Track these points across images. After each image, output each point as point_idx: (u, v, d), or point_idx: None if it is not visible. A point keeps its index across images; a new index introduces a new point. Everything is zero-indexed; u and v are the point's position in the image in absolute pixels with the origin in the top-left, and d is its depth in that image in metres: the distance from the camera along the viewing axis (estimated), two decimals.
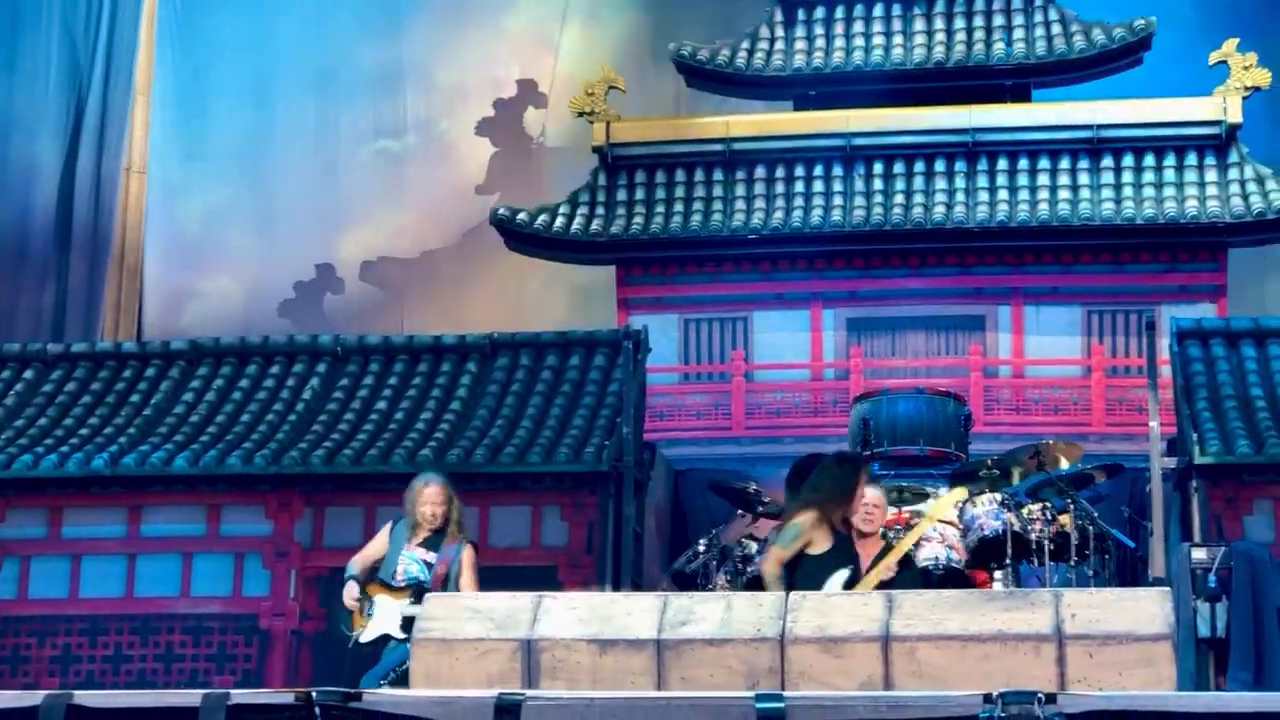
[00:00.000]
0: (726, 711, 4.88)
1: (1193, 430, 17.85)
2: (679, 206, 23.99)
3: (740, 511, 14.23)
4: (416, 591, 10.70)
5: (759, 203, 23.89)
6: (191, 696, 5.15)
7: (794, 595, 7.70)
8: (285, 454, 19.03)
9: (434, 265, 31.93)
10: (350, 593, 11.34)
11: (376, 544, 11.70)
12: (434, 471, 12.19)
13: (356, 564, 11.59)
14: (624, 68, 26.14)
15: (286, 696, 5.00)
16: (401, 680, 9.46)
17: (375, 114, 32.61)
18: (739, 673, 7.06)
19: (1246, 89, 23.13)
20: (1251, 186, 22.77)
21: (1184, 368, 18.99)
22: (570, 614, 7.51)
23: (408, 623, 10.23)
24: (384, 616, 10.98)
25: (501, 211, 24.50)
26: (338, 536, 18.75)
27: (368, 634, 11.01)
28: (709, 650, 7.17)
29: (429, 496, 11.60)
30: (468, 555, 11.49)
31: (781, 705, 4.45)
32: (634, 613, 7.51)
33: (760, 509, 14.08)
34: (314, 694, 4.85)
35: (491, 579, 14.40)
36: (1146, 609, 6.97)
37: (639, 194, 24.28)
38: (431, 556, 11.28)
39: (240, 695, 5.13)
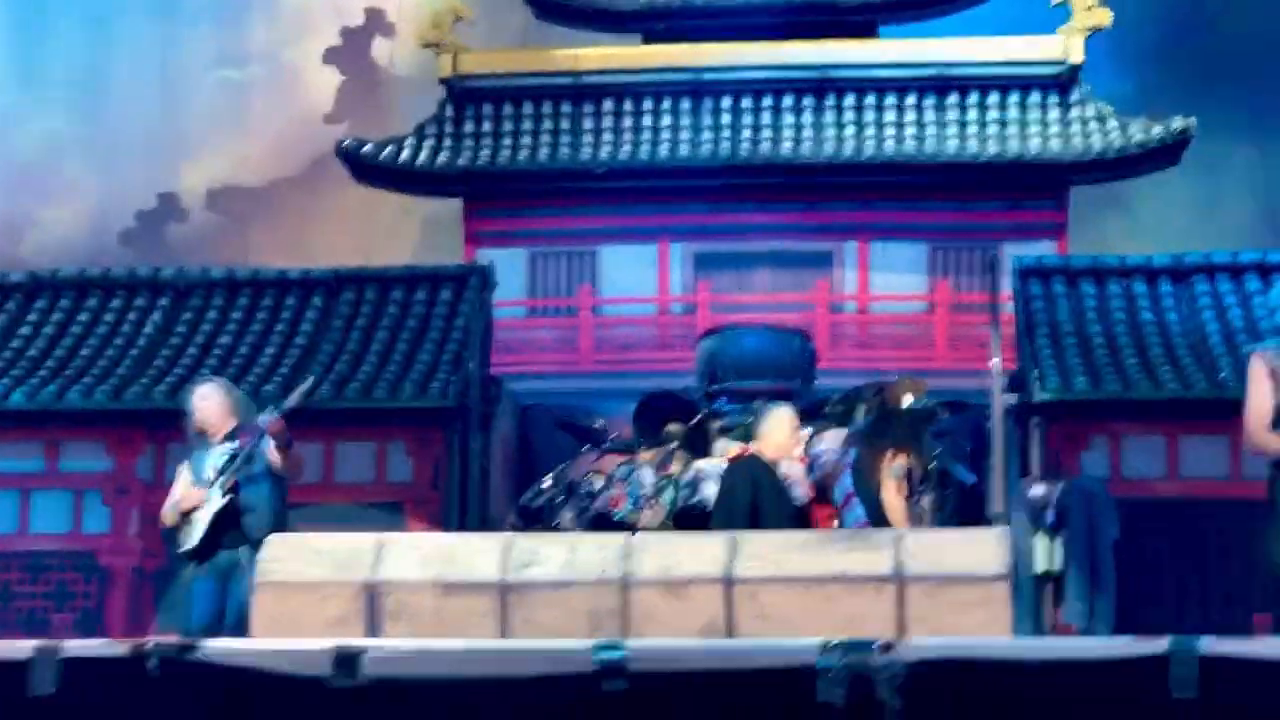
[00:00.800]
0: (567, 660, 4.88)
1: (1033, 367, 18.09)
2: (527, 140, 23.86)
3: (587, 447, 14.17)
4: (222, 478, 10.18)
5: (607, 137, 23.81)
6: (21, 649, 5.04)
7: (638, 536, 7.70)
8: (127, 389, 18.76)
9: (281, 195, 31.62)
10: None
11: (179, 484, 10.63)
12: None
13: (168, 515, 10.55)
14: None
15: (121, 648, 4.91)
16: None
17: (219, 42, 32.13)
18: (582, 615, 7.04)
19: (1088, 28, 23.37)
20: (1093, 125, 23.04)
21: (1025, 305, 19.22)
22: (413, 555, 7.46)
23: (222, 511, 9.94)
24: (198, 519, 10.23)
25: (348, 143, 24.24)
26: None
27: (188, 542, 10.19)
28: (553, 593, 7.15)
29: (197, 399, 10.64)
30: (272, 422, 10.35)
31: (620, 655, 4.45)
32: (477, 554, 7.47)
33: (607, 445, 14.05)
34: (149, 645, 4.76)
35: (337, 516, 14.33)
36: (984, 549, 7.04)
37: (486, 126, 24.10)
38: (230, 445, 10.42)
39: (73, 648, 5.03)
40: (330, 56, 32.03)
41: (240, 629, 8.99)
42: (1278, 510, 8.01)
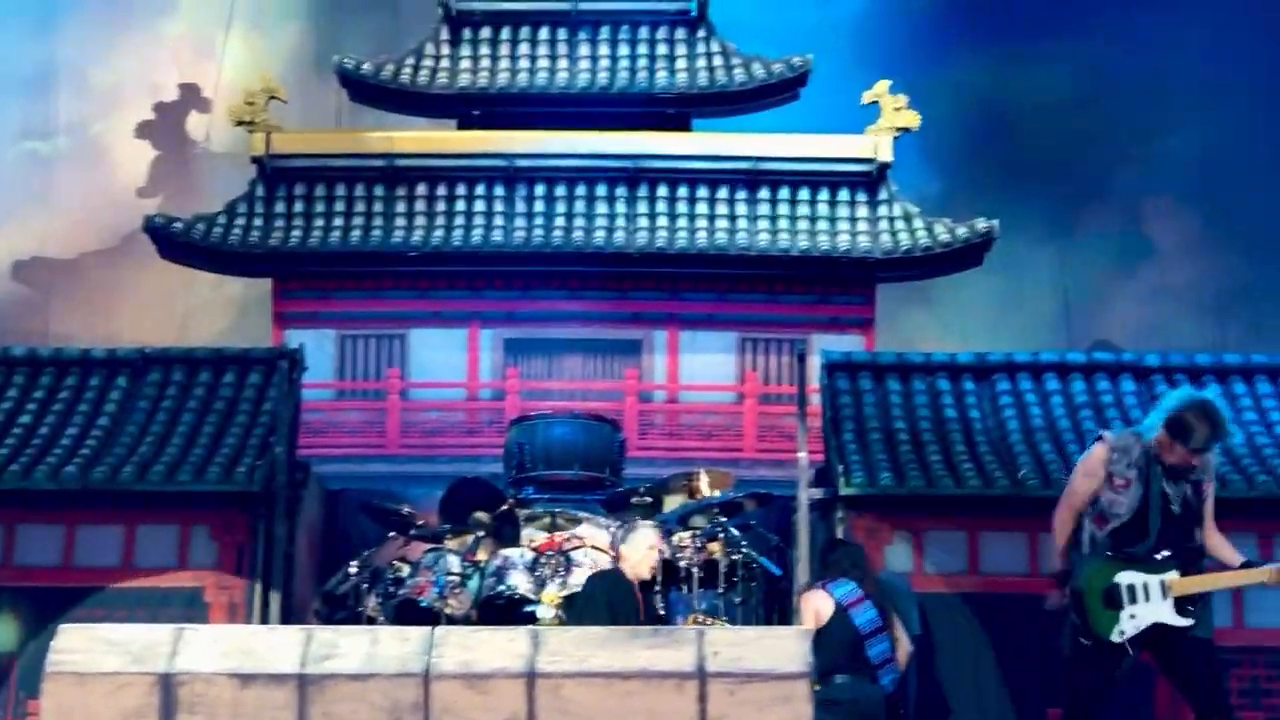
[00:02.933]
0: None
1: (839, 461, 18.27)
2: (338, 221, 23.76)
3: (393, 533, 14.05)
4: None
5: (420, 220, 23.78)
6: None
7: (440, 629, 7.64)
8: None
9: (88, 270, 31.11)
10: None
11: None
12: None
13: None
14: (287, 78, 25.85)
15: None
16: None
17: (25, 114, 31.63)
18: (382, 709, 6.96)
19: (897, 129, 23.84)
20: (900, 224, 23.48)
21: (832, 399, 19.42)
22: (212, 646, 7.31)
23: None
24: None
25: (156, 218, 23.96)
26: None
27: None
28: (353, 685, 7.06)
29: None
30: None
31: None
32: (277, 645, 7.35)
33: (414, 531, 13.95)
34: None
35: (136, 600, 14.05)
36: (786, 647, 7.08)
37: (298, 206, 23.97)
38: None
39: None
40: (143, 131, 31.68)
41: None
42: (1081, 604, 8.18)
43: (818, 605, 11.19)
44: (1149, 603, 8.04)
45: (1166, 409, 8.26)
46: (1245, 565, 8.33)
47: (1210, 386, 19.50)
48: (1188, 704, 8.18)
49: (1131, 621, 8.07)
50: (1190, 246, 28.81)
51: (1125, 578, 8.08)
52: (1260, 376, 19.92)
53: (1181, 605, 8.09)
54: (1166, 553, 8.11)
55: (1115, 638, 8.07)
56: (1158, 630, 8.06)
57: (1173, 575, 8.09)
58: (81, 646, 7.37)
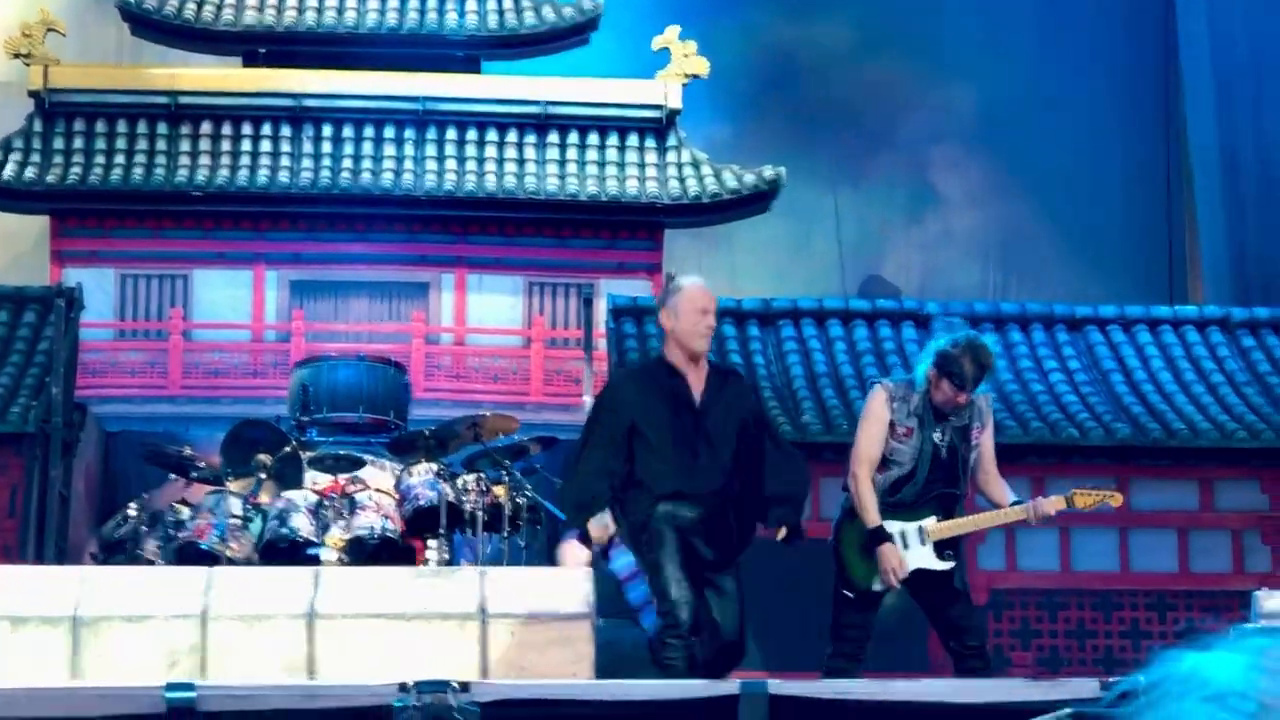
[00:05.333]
0: (137, 700, 4.75)
1: None
2: (119, 159, 23.27)
3: (173, 476, 13.82)
4: None
5: (204, 159, 23.38)
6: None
7: (219, 570, 7.55)
8: None
9: None
10: None
11: None
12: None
13: None
14: (65, 10, 25.14)
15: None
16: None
17: None
18: (159, 651, 6.88)
19: (686, 76, 23.92)
20: (688, 170, 23.59)
21: (618, 343, 19.50)
22: None
23: None
24: None
25: None
26: None
27: None
28: (128, 627, 6.96)
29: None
30: None
31: (192, 695, 4.34)
32: (51, 587, 7.23)
33: (194, 473, 13.74)
34: None
35: None
36: (568, 588, 7.12)
37: (78, 143, 23.43)
38: None
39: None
40: None
41: None
42: (840, 556, 8.26)
43: (575, 552, 11.21)
44: (908, 550, 8.12)
45: (935, 348, 8.23)
46: (1014, 505, 8.45)
47: (987, 334, 19.89)
48: (945, 647, 8.30)
49: (900, 571, 8.14)
50: (974, 195, 29.30)
51: (889, 527, 8.16)
52: (1035, 325, 20.37)
53: (941, 549, 8.19)
54: (928, 497, 8.18)
55: (876, 587, 8.16)
56: (920, 575, 8.15)
57: (930, 521, 8.18)
58: None
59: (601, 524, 7.51)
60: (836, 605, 8.30)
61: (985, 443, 8.30)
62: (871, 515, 8.05)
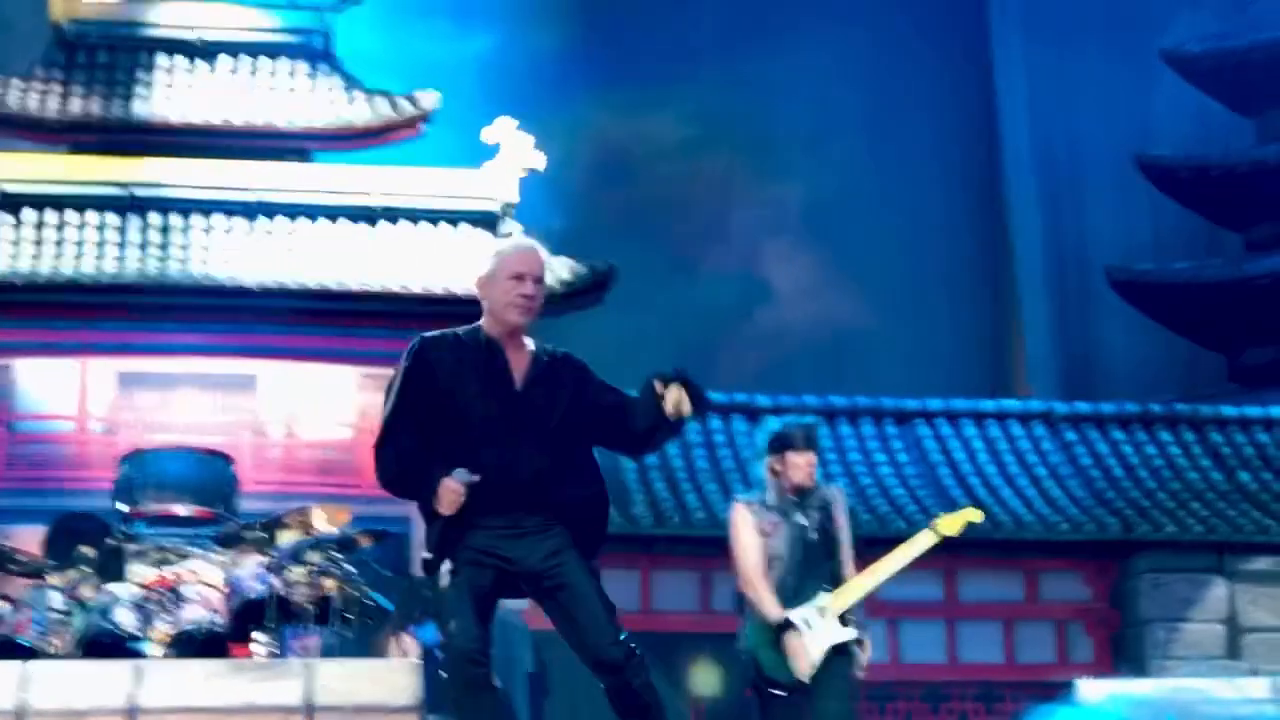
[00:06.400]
0: None
1: None
2: None
3: None
4: None
5: (28, 248, 23.02)
6: None
7: (37, 664, 7.40)
8: None
9: None
10: None
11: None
12: None
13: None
14: None
15: None
16: None
17: None
18: None
19: (523, 168, 23.99)
20: None
21: None
22: None
23: None
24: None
25: None
26: None
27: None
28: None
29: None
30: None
31: None
32: None
33: (14, 567, 13.46)
34: None
35: None
36: (397, 681, 7.06)
37: None
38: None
39: None
40: None
41: None
42: (757, 661, 8.44)
43: (405, 646, 11.17)
44: (812, 630, 8.29)
45: (762, 445, 8.64)
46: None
47: (820, 427, 20.10)
48: None
49: (810, 655, 8.31)
50: (804, 288, 29.66)
51: (791, 617, 8.32)
52: (865, 418, 20.63)
53: (844, 618, 8.43)
54: (812, 578, 8.39)
55: (806, 676, 8.30)
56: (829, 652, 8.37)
57: (825, 596, 8.38)
58: None
59: (454, 487, 6.23)
60: (767, 711, 8.43)
61: (843, 530, 8.54)
62: (772, 610, 8.31)
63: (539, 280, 6.54)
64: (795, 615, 8.33)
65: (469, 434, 6.31)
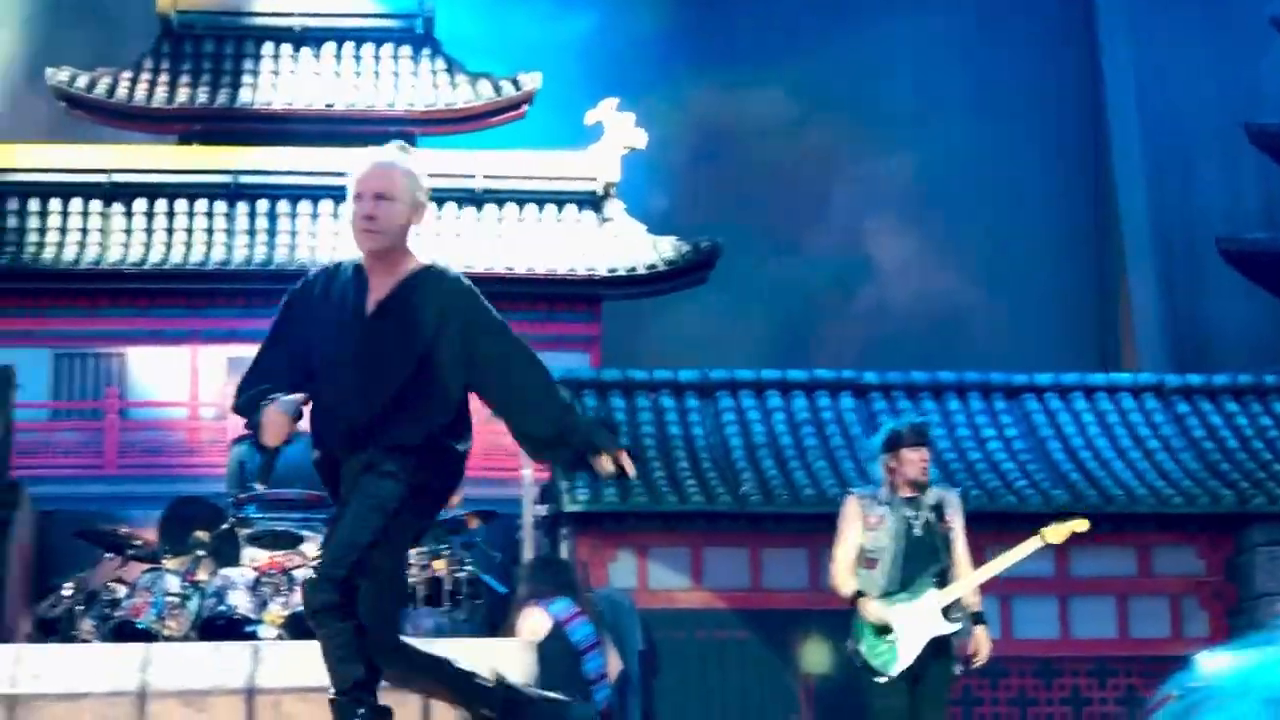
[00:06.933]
0: None
1: (563, 477, 18.33)
2: (54, 237, 23.16)
3: (109, 554, 13.72)
4: None
5: (139, 237, 23.30)
6: None
7: (157, 646, 7.48)
8: None
9: None
10: None
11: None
12: None
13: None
14: None
15: None
16: None
17: None
18: None
19: (625, 148, 24.00)
20: (626, 242, 23.63)
21: None
22: None
23: None
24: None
25: None
26: None
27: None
28: (64, 705, 6.89)
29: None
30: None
31: None
32: None
33: (130, 552, 13.64)
34: None
35: None
36: (509, 658, 7.08)
37: (11, 222, 23.35)
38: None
39: None
40: None
41: None
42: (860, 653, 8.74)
43: (534, 622, 11.23)
44: (916, 622, 8.52)
45: (876, 443, 8.98)
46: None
47: (925, 402, 19.99)
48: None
49: (910, 647, 8.46)
50: (909, 264, 29.49)
51: (892, 613, 8.62)
52: (972, 393, 20.46)
53: (947, 612, 8.72)
54: (919, 574, 8.71)
55: (904, 666, 8.62)
56: (929, 644, 8.67)
57: (930, 591, 8.67)
58: None
59: (275, 418, 5.60)
60: (869, 699, 8.69)
61: (957, 530, 8.71)
62: (848, 586, 8.72)
63: (380, 196, 5.65)
64: (901, 613, 8.64)
65: (318, 366, 5.66)
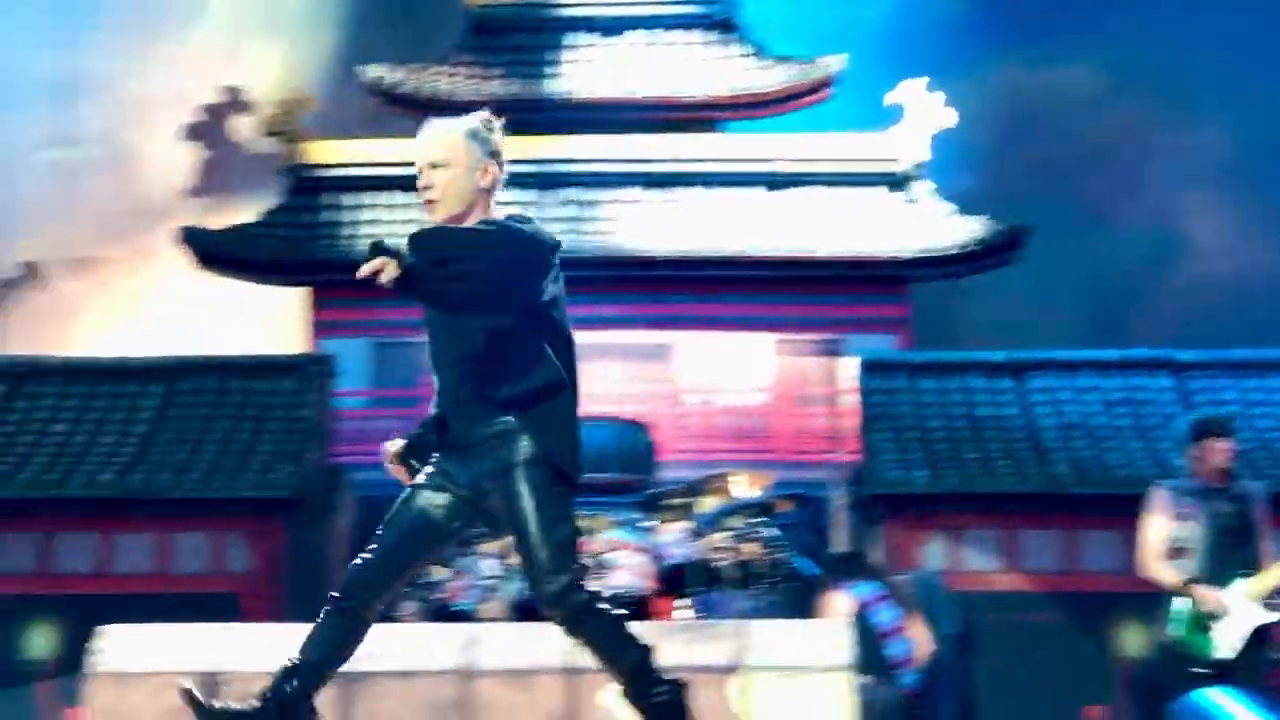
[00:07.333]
0: None
1: (874, 460, 18.26)
2: (369, 229, 23.76)
3: None
4: None
5: None
6: None
7: (480, 626, 7.64)
8: None
9: (114, 277, 31.21)
10: None
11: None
12: None
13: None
14: (316, 85, 25.88)
15: None
16: None
17: (51, 122, 31.78)
18: (424, 706, 6.98)
19: (933, 127, 23.74)
20: (933, 222, 23.38)
21: (867, 398, 19.40)
22: (252, 645, 7.34)
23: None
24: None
25: (192, 229, 24.01)
26: (12, 562, 18.16)
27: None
28: (395, 683, 7.08)
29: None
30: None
31: None
32: None
33: None
34: None
35: (172, 606, 14.10)
36: (828, 640, 7.07)
37: (330, 215, 23.99)
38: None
39: None
40: (176, 138, 31.82)
41: None
42: (1181, 646, 8.64)
43: (837, 605, 11.20)
44: (1234, 613, 8.52)
45: (1181, 434, 8.91)
46: None
47: (1246, 380, 19.45)
48: None
49: (1231, 635, 8.54)
50: (1226, 239, 28.69)
51: (1209, 602, 8.54)
52: None
53: (1267, 600, 8.61)
54: (1229, 565, 8.60)
55: (1229, 653, 8.53)
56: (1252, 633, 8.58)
57: (1242, 581, 8.57)
58: (123, 647, 7.41)
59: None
60: (1188, 687, 8.60)
61: (1262, 523, 8.71)
62: (1173, 578, 8.58)
63: (434, 165, 5.50)
64: (1218, 599, 8.54)
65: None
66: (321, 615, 5.34)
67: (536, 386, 5.47)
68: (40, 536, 18.28)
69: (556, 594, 5.25)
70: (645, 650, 5.37)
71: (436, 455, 5.64)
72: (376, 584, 5.38)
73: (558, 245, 5.58)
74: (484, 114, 5.66)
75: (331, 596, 5.34)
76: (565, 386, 5.52)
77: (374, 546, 5.43)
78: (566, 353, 5.61)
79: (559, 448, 5.42)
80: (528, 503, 5.32)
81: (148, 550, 18.36)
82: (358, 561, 5.39)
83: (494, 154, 5.65)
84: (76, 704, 9.47)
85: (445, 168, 5.52)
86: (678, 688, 5.37)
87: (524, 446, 5.41)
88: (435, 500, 5.47)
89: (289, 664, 5.32)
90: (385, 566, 5.40)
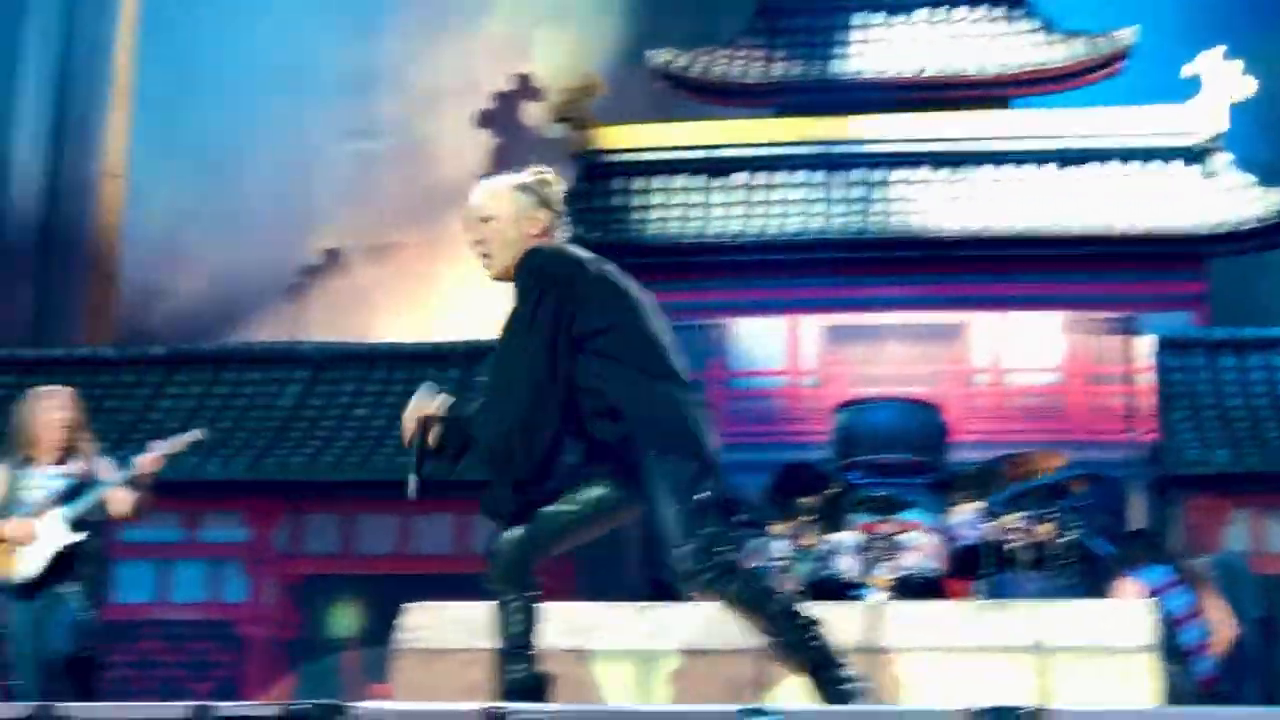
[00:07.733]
0: None
1: (1172, 440, 17.90)
2: (657, 213, 23.95)
3: None
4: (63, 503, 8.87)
5: (738, 210, 23.86)
6: (177, 709, 5.12)
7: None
8: (264, 460, 18.98)
9: (409, 264, 31.90)
10: None
11: None
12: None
13: None
14: (604, 71, 26.14)
15: (271, 709, 4.98)
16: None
17: (350, 115, 32.60)
18: (721, 682, 7.04)
19: (1231, 97, 23.13)
20: (1231, 196, 22.78)
21: (1164, 376, 19.03)
22: (553, 623, 7.46)
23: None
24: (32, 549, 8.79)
25: None
26: (318, 543, 18.71)
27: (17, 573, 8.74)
28: (691, 660, 7.16)
29: (55, 408, 9.01)
30: (149, 460, 9.30)
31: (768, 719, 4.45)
32: (615, 623, 7.50)
33: (739, 517, 14.06)
34: (301, 706, 4.83)
35: (469, 588, 14.41)
36: (1130, 621, 6.96)
37: (618, 200, 24.24)
38: (63, 470, 9.02)
39: (225, 708, 5.11)
40: (469, 125, 32.42)
41: (52, 672, 8.64)
42: None
43: (1128, 591, 11.00)
44: None
45: None
46: None
47: None
48: None
49: None
50: None
51: None
52: None
53: None
54: None
55: None
56: None
57: None
58: (428, 624, 7.60)
59: None
60: None
61: None
62: None
63: (483, 219, 5.86)
64: None
65: None
66: None
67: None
68: (341, 516, 18.82)
69: (749, 587, 5.63)
70: (806, 624, 5.55)
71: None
72: None
73: (603, 275, 6.10)
74: (538, 168, 5.99)
75: None
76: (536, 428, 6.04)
77: None
78: (647, 351, 6.07)
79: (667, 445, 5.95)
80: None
81: (446, 531, 18.79)
82: None
83: (544, 203, 5.94)
84: (380, 679, 9.71)
85: (493, 221, 5.86)
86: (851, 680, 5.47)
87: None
88: None
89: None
90: None
